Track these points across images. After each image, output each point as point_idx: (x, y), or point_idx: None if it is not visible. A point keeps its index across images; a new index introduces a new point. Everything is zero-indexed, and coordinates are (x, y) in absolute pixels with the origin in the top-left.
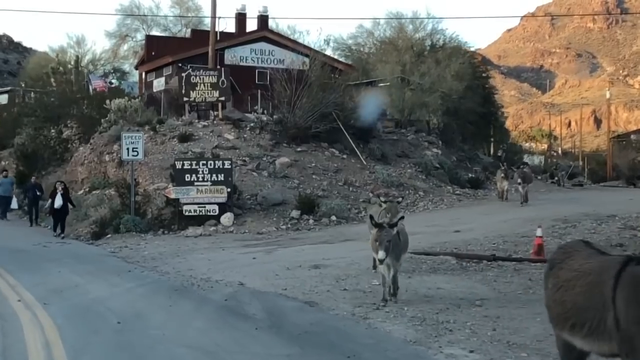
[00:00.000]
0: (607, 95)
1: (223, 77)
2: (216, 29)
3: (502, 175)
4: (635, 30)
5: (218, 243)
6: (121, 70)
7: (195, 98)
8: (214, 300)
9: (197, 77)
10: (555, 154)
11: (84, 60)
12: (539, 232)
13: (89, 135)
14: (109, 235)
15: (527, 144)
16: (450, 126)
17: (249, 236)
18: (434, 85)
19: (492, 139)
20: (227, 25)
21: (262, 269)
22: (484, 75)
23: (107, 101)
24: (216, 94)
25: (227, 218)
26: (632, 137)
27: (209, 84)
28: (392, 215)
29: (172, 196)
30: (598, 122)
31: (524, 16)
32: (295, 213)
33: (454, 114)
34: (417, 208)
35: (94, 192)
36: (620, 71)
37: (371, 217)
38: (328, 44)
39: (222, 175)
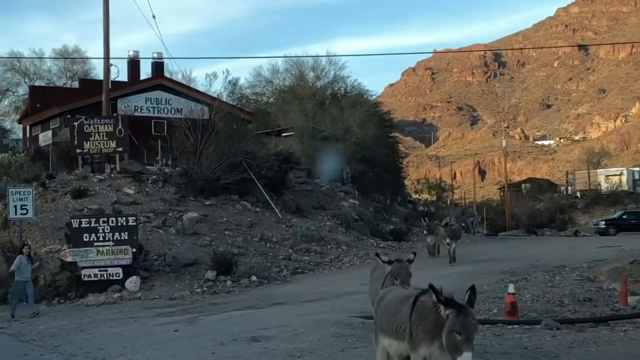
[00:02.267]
0: (504, 144)
1: (120, 126)
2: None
3: (425, 231)
4: (513, 83)
5: (126, 312)
6: (1, 127)
7: (89, 149)
8: None
9: (91, 126)
10: (444, 205)
11: None
12: (511, 289)
13: None
14: None
15: (416, 196)
16: (365, 175)
17: (160, 303)
18: (346, 133)
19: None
20: (119, 73)
21: (192, 346)
22: (387, 124)
23: None
24: (113, 144)
25: (132, 282)
26: (523, 186)
27: (104, 134)
28: (402, 281)
29: (68, 259)
30: (482, 172)
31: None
32: (210, 274)
33: (368, 161)
34: (343, 264)
35: None
36: (502, 123)
37: (435, 291)
38: (235, 85)
39: (126, 233)
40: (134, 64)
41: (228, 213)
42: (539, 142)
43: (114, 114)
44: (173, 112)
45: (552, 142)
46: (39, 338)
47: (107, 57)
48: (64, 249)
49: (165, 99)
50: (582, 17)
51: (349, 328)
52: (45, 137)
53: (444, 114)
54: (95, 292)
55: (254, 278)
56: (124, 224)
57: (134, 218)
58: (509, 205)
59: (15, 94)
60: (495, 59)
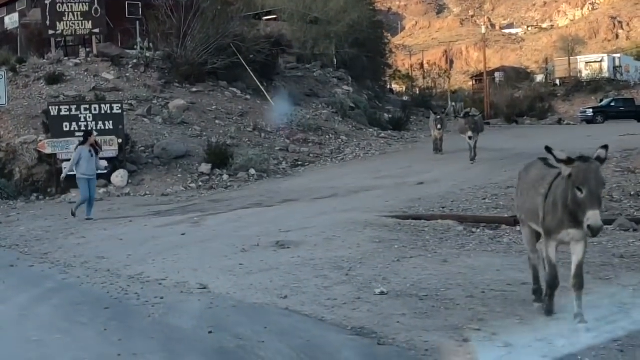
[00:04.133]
0: (483, 30)
1: (97, 5)
2: None
3: (438, 124)
4: None
5: (117, 211)
6: None
7: (63, 31)
8: (187, 332)
9: (65, 5)
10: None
11: None
12: None
13: None
14: None
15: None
16: (358, 60)
17: (152, 199)
18: (338, 14)
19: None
20: None
21: (209, 254)
22: (370, 7)
23: None
24: (89, 25)
25: (120, 177)
26: (497, 74)
27: (79, 13)
28: (589, 193)
29: (47, 151)
30: (450, 62)
31: None
32: (205, 167)
33: (362, 45)
34: (346, 156)
35: None
36: (469, 11)
37: None
38: None
39: (111, 122)
40: None
41: (217, 100)
42: (507, 31)
43: None
44: None
45: (519, 30)
46: (23, 243)
47: None
48: (42, 140)
49: None
50: None
51: (386, 231)
52: (11, 20)
53: (410, 3)
54: (77, 187)
55: (252, 172)
56: (108, 111)
57: (120, 105)
58: (488, 93)
59: None
60: None
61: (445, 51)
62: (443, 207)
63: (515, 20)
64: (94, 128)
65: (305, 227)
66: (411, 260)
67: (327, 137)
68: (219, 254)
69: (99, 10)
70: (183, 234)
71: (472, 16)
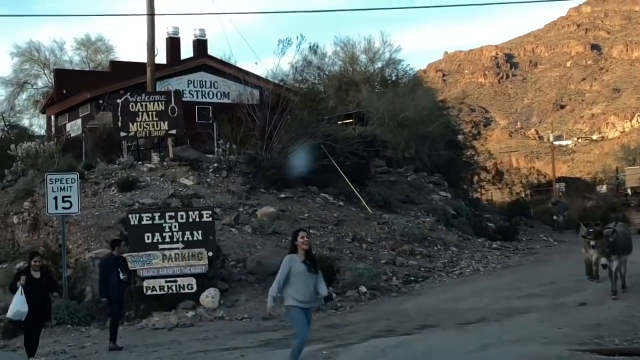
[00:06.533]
0: (551, 139)
1: (173, 104)
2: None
3: (592, 241)
4: (526, 84)
5: (216, 340)
6: (19, 126)
7: (137, 132)
8: None
9: (139, 105)
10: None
11: None
12: None
13: None
14: None
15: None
16: (453, 163)
17: (253, 325)
18: (431, 115)
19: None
20: (158, 53)
21: None
22: (444, 112)
23: (13, 146)
24: (164, 125)
25: (211, 297)
26: (558, 185)
27: (154, 113)
28: None
29: None
30: (500, 174)
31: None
32: None
33: (457, 147)
34: (463, 270)
35: None
36: (517, 123)
37: None
38: (315, 52)
39: (200, 232)
40: (174, 43)
41: (309, 208)
42: (557, 143)
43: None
44: (219, 97)
45: (570, 142)
46: None
47: (152, 14)
48: None
49: (211, 82)
50: (595, 16)
51: None
52: (74, 127)
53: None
54: (161, 310)
55: (363, 289)
56: (197, 219)
57: (210, 213)
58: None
59: (35, 87)
60: (507, 60)
61: (495, 163)
62: None
63: (564, 132)
64: (181, 240)
65: None
66: None
67: (435, 248)
68: None
69: (176, 110)
70: None
71: (521, 129)
